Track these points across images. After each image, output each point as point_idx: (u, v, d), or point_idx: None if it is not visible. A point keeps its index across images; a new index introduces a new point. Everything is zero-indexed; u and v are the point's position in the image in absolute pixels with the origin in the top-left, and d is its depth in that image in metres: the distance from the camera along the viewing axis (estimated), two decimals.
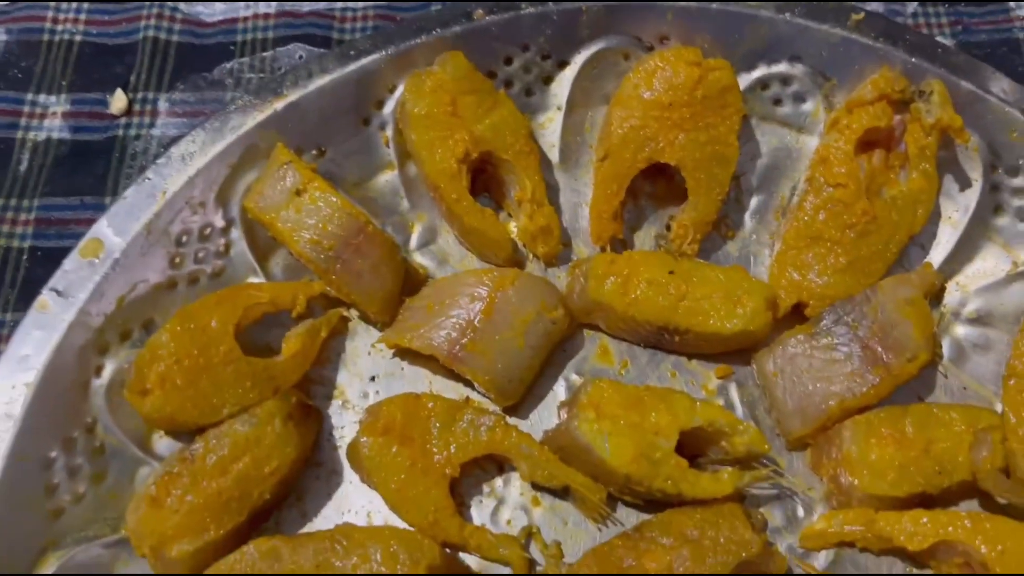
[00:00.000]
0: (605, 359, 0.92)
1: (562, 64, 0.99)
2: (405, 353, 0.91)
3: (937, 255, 0.93)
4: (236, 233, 0.92)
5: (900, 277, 0.88)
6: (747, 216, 0.97)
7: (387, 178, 0.98)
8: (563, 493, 0.85)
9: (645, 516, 0.83)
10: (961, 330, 0.91)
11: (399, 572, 0.75)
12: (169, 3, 1.12)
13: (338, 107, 0.95)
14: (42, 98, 1.08)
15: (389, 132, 0.96)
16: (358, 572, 0.75)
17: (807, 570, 0.82)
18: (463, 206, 0.91)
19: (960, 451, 0.81)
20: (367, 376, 0.91)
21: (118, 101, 1.07)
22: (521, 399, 0.89)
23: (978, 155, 0.92)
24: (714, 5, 0.95)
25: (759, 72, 0.98)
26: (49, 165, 1.04)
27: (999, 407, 0.85)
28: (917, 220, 0.91)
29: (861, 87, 0.92)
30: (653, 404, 0.82)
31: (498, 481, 0.86)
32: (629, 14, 0.96)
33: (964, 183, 0.94)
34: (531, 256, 0.96)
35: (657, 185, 0.97)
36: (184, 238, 0.90)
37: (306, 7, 1.12)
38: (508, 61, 0.98)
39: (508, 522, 0.85)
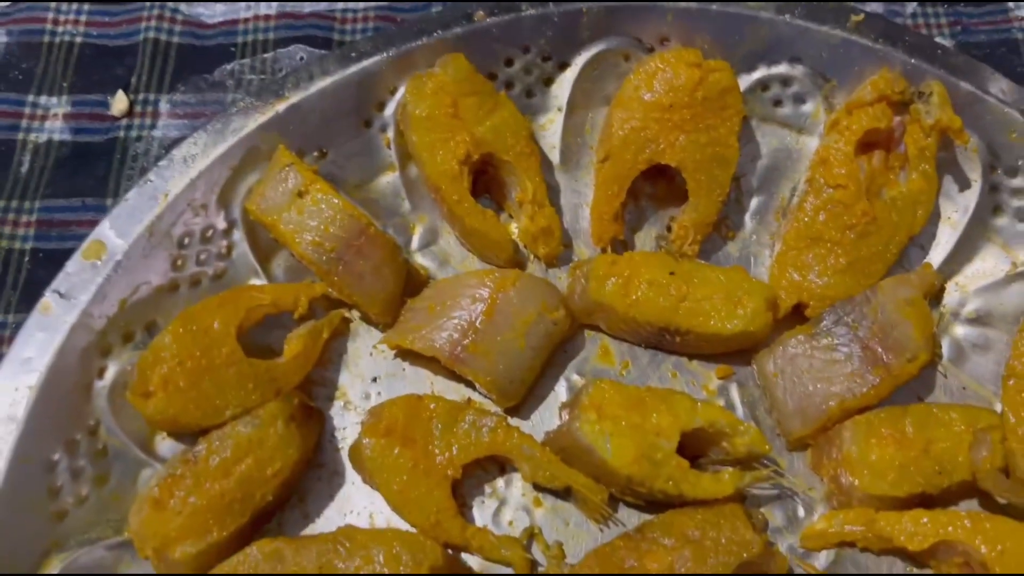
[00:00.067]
0: (606, 360, 0.92)
1: (563, 66, 0.99)
2: (407, 354, 0.91)
3: (937, 255, 0.93)
4: (238, 235, 0.92)
5: (900, 278, 0.88)
6: (747, 217, 0.97)
7: (388, 179, 0.98)
8: (565, 494, 0.85)
9: (646, 517, 0.83)
10: (960, 330, 0.92)
11: (402, 573, 0.75)
12: (170, 4, 1.12)
13: (339, 109, 0.95)
14: (43, 100, 1.08)
15: (390, 134, 0.97)
16: (361, 573, 0.75)
17: (808, 570, 0.83)
18: (464, 207, 0.92)
19: (960, 451, 0.81)
20: (369, 377, 0.91)
21: (119, 103, 1.07)
22: (522, 400, 0.89)
23: (977, 156, 0.93)
24: (714, 6, 0.95)
25: (759, 73, 0.98)
26: (50, 167, 1.04)
27: (998, 407, 0.85)
28: (917, 221, 0.91)
29: (861, 88, 0.93)
30: (654, 405, 0.82)
31: (500, 482, 0.87)
32: (629, 15, 0.97)
33: (963, 184, 0.94)
34: (532, 257, 0.96)
35: (657, 186, 0.97)
36: (186, 240, 0.90)
37: (307, 8, 1.12)
38: (509, 62, 0.98)
39: (510, 523, 0.85)
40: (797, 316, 0.90)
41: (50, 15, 1.13)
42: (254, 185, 0.92)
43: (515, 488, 0.86)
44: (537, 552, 0.83)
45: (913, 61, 0.93)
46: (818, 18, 0.95)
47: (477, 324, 0.86)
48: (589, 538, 0.84)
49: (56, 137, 1.06)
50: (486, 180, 0.97)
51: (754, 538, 0.78)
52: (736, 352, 0.90)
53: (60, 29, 1.12)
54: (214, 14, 1.13)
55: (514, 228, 0.96)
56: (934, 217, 0.94)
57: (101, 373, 0.85)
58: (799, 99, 0.98)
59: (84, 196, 1.03)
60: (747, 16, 0.95)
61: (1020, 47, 1.08)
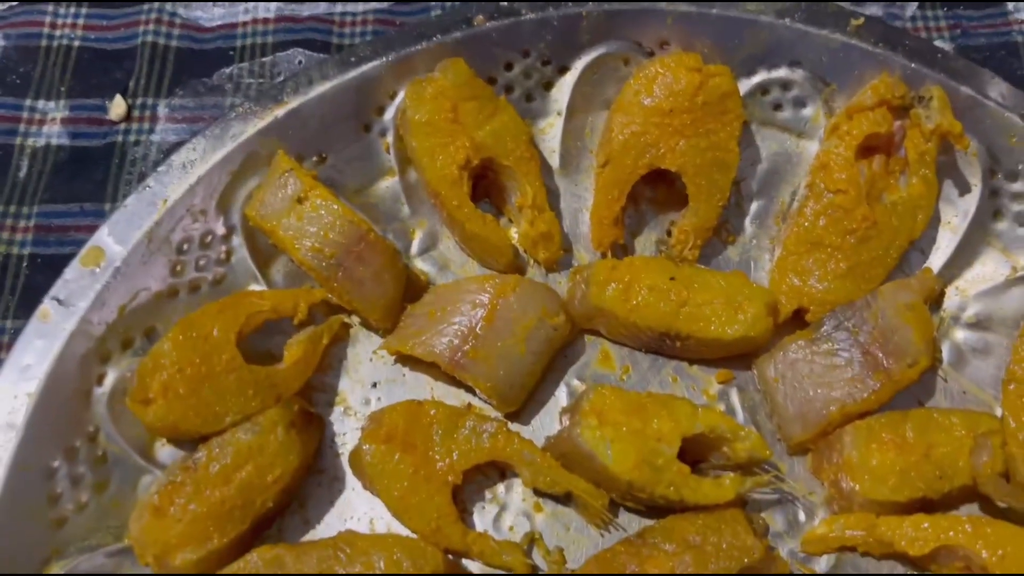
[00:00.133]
0: (606, 364, 0.92)
1: (562, 70, 0.99)
2: (407, 360, 0.91)
3: (937, 260, 0.93)
4: (237, 240, 0.92)
5: (900, 282, 0.88)
6: (747, 221, 0.97)
7: (388, 184, 0.98)
8: (565, 499, 0.85)
9: (647, 522, 0.83)
10: (961, 334, 0.92)
11: None
12: (168, 8, 1.12)
13: (339, 114, 0.95)
14: (41, 104, 1.08)
15: (390, 138, 0.96)
16: None
17: (808, 574, 0.83)
18: (464, 212, 0.92)
19: (960, 456, 0.81)
20: (369, 383, 0.91)
21: (117, 107, 1.07)
22: (523, 405, 0.89)
23: (977, 160, 0.93)
24: (714, 10, 0.95)
25: (759, 77, 0.98)
26: (48, 171, 1.04)
27: (999, 411, 0.85)
28: (917, 225, 0.91)
29: (861, 93, 0.93)
30: (655, 410, 0.82)
31: (500, 487, 0.87)
32: (629, 19, 0.96)
33: (963, 188, 0.94)
34: (532, 262, 0.96)
35: (658, 190, 0.97)
36: (185, 246, 0.90)
37: (305, 12, 1.12)
38: (508, 67, 0.98)
39: (510, 528, 0.85)
40: (797, 321, 0.90)
41: (47, 19, 1.12)
42: (253, 191, 0.92)
43: (515, 493, 0.86)
44: (538, 557, 0.83)
45: (913, 65, 0.93)
46: (818, 22, 0.95)
47: (477, 330, 0.86)
48: (590, 543, 0.84)
49: (54, 142, 1.06)
50: (486, 185, 0.97)
51: (755, 543, 0.78)
52: (736, 357, 0.90)
53: (58, 33, 1.11)
54: (212, 17, 1.12)
55: (514, 233, 0.96)
56: (934, 221, 0.94)
57: (100, 380, 0.85)
58: (799, 103, 0.98)
59: (82, 201, 1.02)
60: (747, 20, 0.95)
61: (1020, 50, 1.08)
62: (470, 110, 0.92)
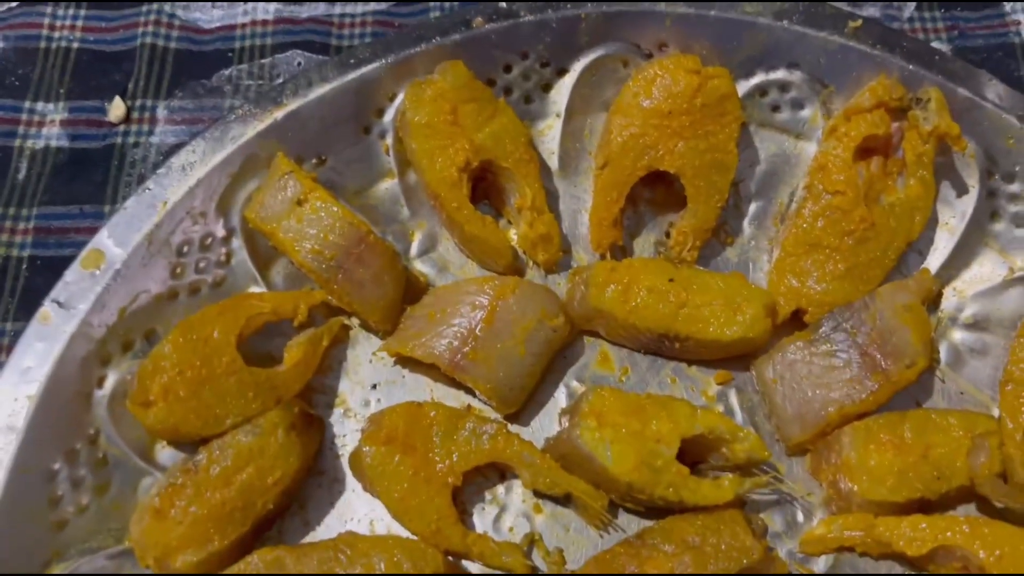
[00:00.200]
0: (605, 366, 0.92)
1: (561, 71, 0.99)
2: (406, 361, 0.91)
3: (934, 261, 0.94)
4: (237, 243, 0.92)
5: (898, 283, 0.88)
6: (746, 222, 0.97)
7: (387, 186, 0.98)
8: (565, 500, 0.86)
9: (646, 523, 0.83)
10: (958, 335, 0.92)
11: None
12: (167, 9, 1.12)
13: (338, 116, 0.95)
14: (40, 106, 1.08)
15: (389, 140, 0.97)
16: None
17: (807, 574, 0.83)
18: (464, 214, 0.92)
19: (958, 456, 0.82)
20: (368, 384, 0.91)
21: (116, 108, 1.07)
22: (522, 406, 0.89)
23: (975, 161, 0.93)
24: (712, 12, 0.95)
25: (757, 79, 0.98)
26: (47, 173, 1.04)
27: (996, 412, 0.85)
28: (915, 226, 0.91)
29: (859, 94, 0.93)
30: (654, 412, 0.82)
31: (500, 489, 0.87)
32: (628, 21, 0.96)
33: (961, 189, 0.94)
34: (531, 263, 0.96)
35: (656, 192, 0.98)
36: (185, 248, 0.90)
37: (304, 13, 1.12)
38: (507, 68, 0.98)
39: (510, 529, 0.85)
40: (796, 322, 0.91)
41: (46, 20, 1.12)
42: (253, 193, 0.92)
43: (515, 495, 0.86)
44: (537, 558, 0.84)
45: (911, 67, 0.93)
46: (816, 24, 0.95)
47: (477, 331, 0.86)
48: (589, 544, 0.84)
49: (53, 143, 1.06)
50: (485, 186, 0.97)
51: (754, 544, 0.78)
52: (735, 358, 0.91)
53: (57, 34, 1.11)
54: (211, 19, 1.12)
55: (513, 234, 0.96)
56: (932, 223, 0.94)
57: (101, 382, 0.85)
58: (797, 105, 0.99)
59: (82, 203, 1.02)
60: (745, 22, 0.95)
61: (1017, 51, 1.08)
62: (469, 112, 0.92)
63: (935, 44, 1.08)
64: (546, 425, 0.90)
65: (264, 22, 1.12)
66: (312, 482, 0.87)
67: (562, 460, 0.84)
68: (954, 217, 0.95)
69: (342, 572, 0.76)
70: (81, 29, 1.12)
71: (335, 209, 0.88)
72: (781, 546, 0.84)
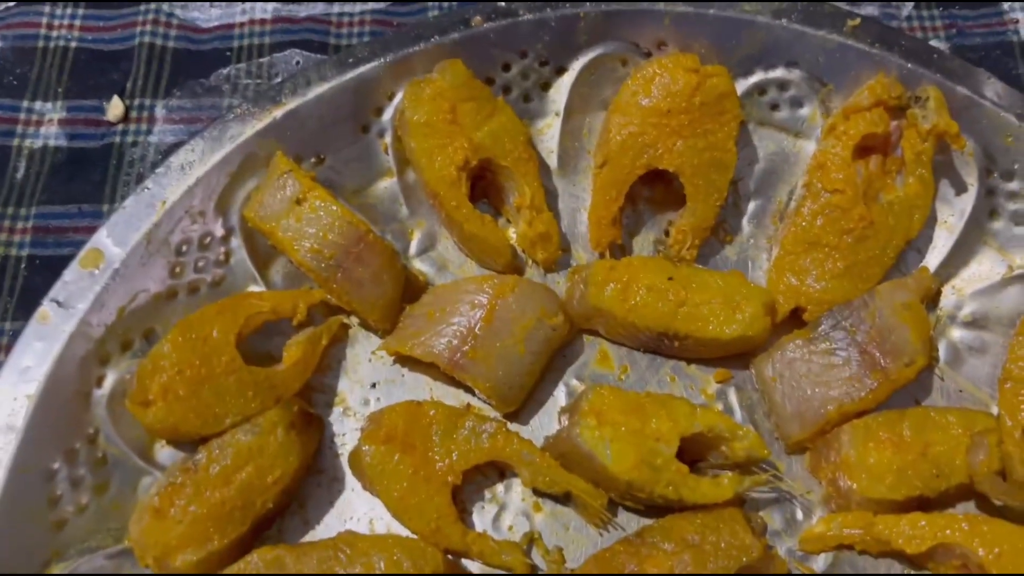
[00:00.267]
0: (605, 364, 0.92)
1: (560, 70, 0.99)
2: (406, 360, 0.91)
3: (933, 259, 0.94)
4: (236, 242, 0.92)
5: (897, 282, 0.88)
6: (745, 221, 0.97)
7: (386, 185, 0.98)
8: (564, 499, 0.86)
9: (646, 521, 0.83)
10: (957, 333, 0.92)
11: None
12: (165, 8, 1.12)
13: (337, 115, 0.95)
14: (38, 105, 1.08)
15: (388, 139, 0.97)
16: None
17: (806, 572, 0.83)
18: (463, 213, 0.92)
19: (957, 454, 0.82)
20: (368, 383, 0.91)
21: (115, 108, 1.07)
22: (522, 405, 0.89)
23: (973, 160, 0.93)
24: (711, 11, 0.95)
25: (756, 77, 0.98)
26: (46, 173, 1.04)
27: (995, 410, 0.86)
28: (914, 225, 0.91)
29: (858, 93, 0.93)
30: (654, 410, 0.82)
31: (499, 487, 0.87)
32: (626, 20, 0.96)
33: (960, 188, 0.94)
34: (530, 262, 0.96)
35: (655, 190, 0.98)
36: (184, 247, 0.90)
37: (303, 12, 1.12)
38: (506, 67, 0.98)
39: (510, 528, 0.85)
40: (795, 320, 0.91)
41: (44, 19, 1.12)
42: (252, 192, 0.92)
43: (515, 493, 0.86)
44: (537, 557, 0.84)
45: (909, 65, 0.93)
46: (814, 22, 0.95)
47: (476, 330, 0.86)
48: (589, 543, 0.84)
49: (51, 143, 1.06)
50: (484, 185, 0.97)
51: (753, 542, 0.78)
52: (734, 356, 0.91)
53: (55, 34, 1.11)
54: (209, 18, 1.12)
55: (512, 233, 0.97)
56: (931, 221, 0.94)
57: (100, 382, 0.85)
58: (796, 103, 0.99)
59: (80, 202, 1.02)
60: (744, 20, 0.95)
61: (1015, 50, 1.08)
62: (468, 111, 0.92)
63: (933, 42, 1.08)
64: (545, 424, 0.90)
65: (262, 21, 1.12)
66: (312, 481, 0.87)
67: (562, 459, 0.84)
68: (953, 215, 0.95)
69: (342, 571, 0.76)
70: (79, 28, 1.12)
71: (334, 208, 0.88)
72: (780, 544, 0.84)
